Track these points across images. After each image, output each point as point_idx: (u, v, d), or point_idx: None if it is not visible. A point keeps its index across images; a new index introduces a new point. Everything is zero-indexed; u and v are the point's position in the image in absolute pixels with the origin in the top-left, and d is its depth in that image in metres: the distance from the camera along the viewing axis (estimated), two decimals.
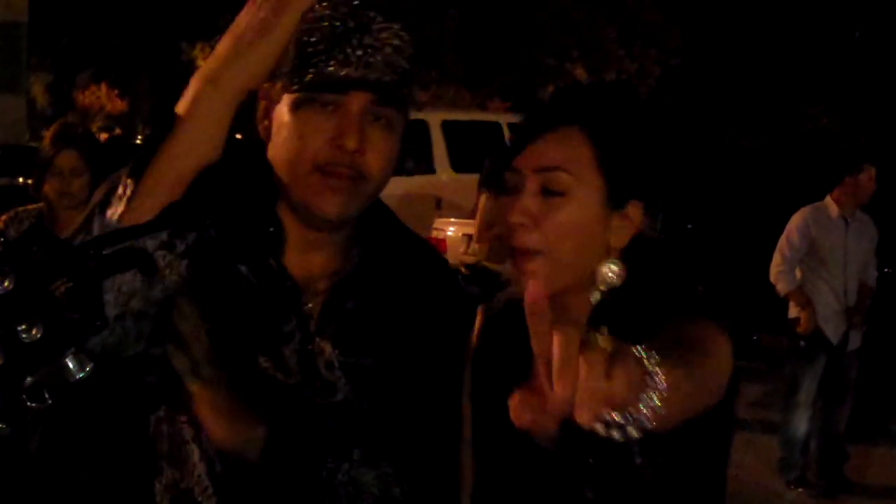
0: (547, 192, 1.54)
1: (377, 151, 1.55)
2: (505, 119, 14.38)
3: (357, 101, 1.52)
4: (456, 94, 24.50)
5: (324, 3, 1.52)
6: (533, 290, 1.05)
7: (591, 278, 1.58)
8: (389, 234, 1.74)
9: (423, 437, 1.67)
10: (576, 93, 1.68)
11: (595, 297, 1.58)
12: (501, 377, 1.65)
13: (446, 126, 13.06)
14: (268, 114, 1.60)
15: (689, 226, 9.58)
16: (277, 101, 1.57)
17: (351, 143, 1.51)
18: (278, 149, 1.57)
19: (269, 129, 1.60)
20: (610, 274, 1.56)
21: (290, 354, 1.60)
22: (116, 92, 32.49)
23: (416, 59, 1.59)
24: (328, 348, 1.62)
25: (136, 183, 1.41)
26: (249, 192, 1.63)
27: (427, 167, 12.46)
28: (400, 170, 11.36)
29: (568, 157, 1.54)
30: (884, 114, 27.25)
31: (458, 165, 12.40)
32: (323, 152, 1.52)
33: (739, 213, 9.37)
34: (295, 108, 1.54)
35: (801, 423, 6.59)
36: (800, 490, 6.54)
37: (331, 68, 1.50)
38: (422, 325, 1.69)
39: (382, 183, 1.60)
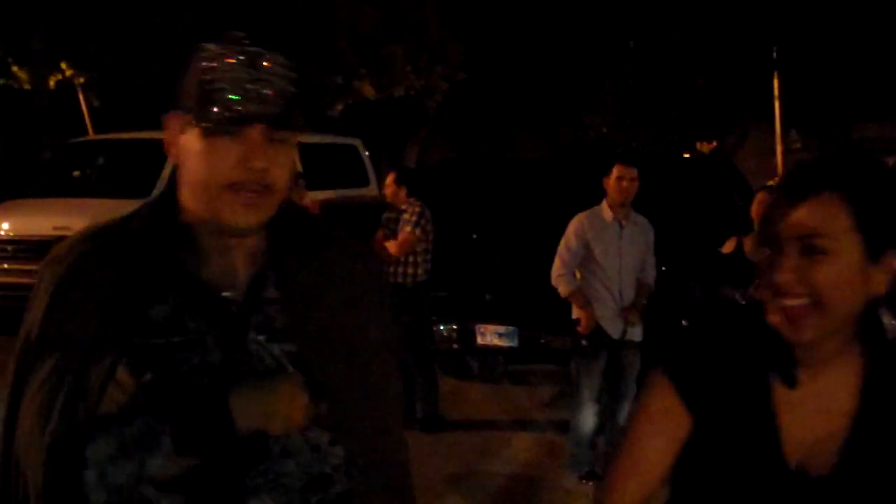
0: (808, 251, 1.67)
1: (280, 167, 1.76)
2: None
3: (257, 130, 1.73)
4: None
5: (214, 47, 1.74)
6: None
7: (853, 328, 1.73)
8: (290, 225, 1.91)
9: (353, 408, 1.85)
10: (832, 161, 1.76)
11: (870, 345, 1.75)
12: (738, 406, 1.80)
13: None
14: (174, 142, 1.81)
15: (475, 235, 9.76)
16: (184, 132, 1.78)
17: (259, 164, 1.72)
18: (191, 174, 1.78)
19: (178, 156, 1.81)
20: (891, 323, 1.73)
21: (212, 346, 1.76)
22: None
23: (298, 80, 1.82)
24: (259, 339, 1.80)
25: None
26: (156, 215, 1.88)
27: None
28: None
29: (825, 222, 1.66)
30: (659, 119, 28.39)
31: None
32: (234, 173, 1.72)
33: (525, 221, 9.58)
34: (203, 137, 1.73)
35: (587, 419, 6.77)
36: (590, 483, 6.68)
37: (232, 105, 1.71)
38: (340, 306, 1.89)
39: (285, 188, 1.80)
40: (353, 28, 22.59)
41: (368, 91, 24.06)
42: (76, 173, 13.94)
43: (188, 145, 1.77)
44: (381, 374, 1.94)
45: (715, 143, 37.32)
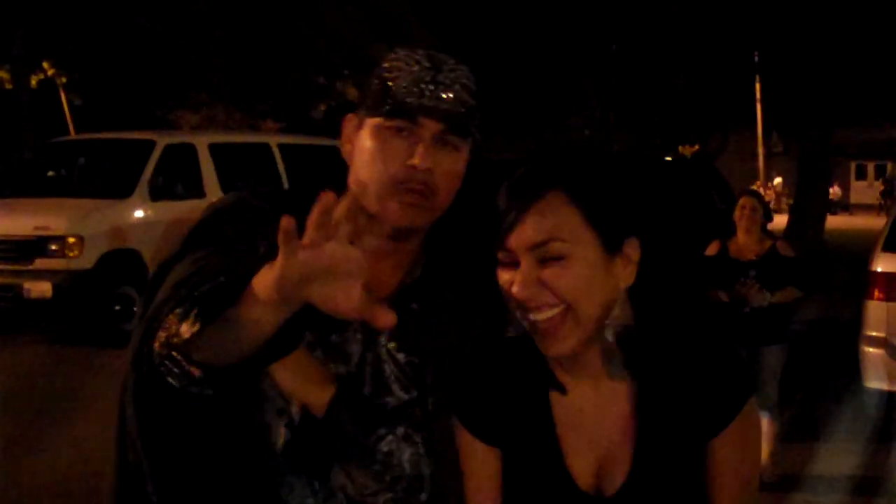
0: (544, 259, 1.58)
1: (445, 171, 1.75)
2: (275, 140, 14.37)
3: (428, 128, 1.72)
4: (227, 115, 24.20)
5: (402, 51, 1.77)
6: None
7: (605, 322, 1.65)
8: (455, 247, 1.91)
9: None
10: (550, 160, 1.67)
11: (608, 339, 1.65)
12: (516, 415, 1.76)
13: (214, 149, 12.95)
14: (350, 139, 1.83)
15: None
16: (359, 129, 1.79)
17: (423, 164, 1.70)
18: (360, 168, 1.77)
19: (351, 153, 1.81)
20: (618, 312, 1.64)
21: (355, 349, 1.79)
22: None
23: (479, 96, 1.80)
24: (390, 346, 1.81)
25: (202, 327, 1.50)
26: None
27: (197, 191, 12.29)
28: (170, 194, 11.10)
29: (556, 225, 1.58)
30: (641, 122, 28.51)
31: (228, 188, 12.30)
32: (400, 172, 1.71)
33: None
34: (375, 133, 1.74)
35: None
36: None
37: (408, 99, 1.71)
38: (477, 333, 1.85)
39: (449, 198, 1.79)
40: (336, 29, 22.61)
41: (352, 92, 24.10)
42: (53, 173, 13.88)
43: (360, 142, 1.78)
44: None
45: (697, 147, 37.51)
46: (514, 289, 1.60)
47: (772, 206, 7.84)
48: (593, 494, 1.68)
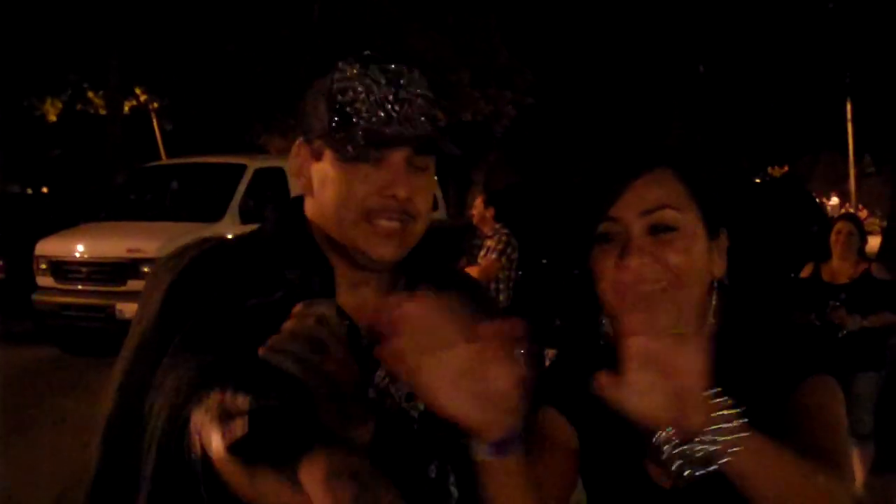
0: (657, 230, 1.55)
1: (422, 195, 1.65)
2: None
3: (401, 154, 1.61)
4: None
5: (349, 67, 1.63)
6: None
7: (703, 310, 1.61)
8: (429, 263, 1.81)
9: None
10: (662, 136, 1.66)
11: (710, 325, 1.61)
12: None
13: None
14: (303, 171, 1.69)
15: (544, 261, 9.75)
16: (316, 158, 1.65)
17: (402, 193, 1.60)
18: (326, 201, 1.64)
19: (308, 184, 1.68)
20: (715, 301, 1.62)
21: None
22: None
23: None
24: (390, 378, 1.66)
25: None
26: (288, 247, 1.69)
27: None
28: (260, 218, 11.48)
29: (668, 193, 1.56)
30: (728, 144, 28.15)
31: None
32: (373, 200, 1.60)
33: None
34: (340, 163, 1.61)
35: None
36: None
37: (375, 127, 1.58)
38: None
39: (427, 220, 1.70)
40: (421, 54, 22.74)
41: (438, 116, 24.20)
42: (148, 196, 14.16)
43: (322, 173, 1.65)
44: None
45: (786, 168, 36.96)
46: (626, 259, 1.55)
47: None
48: (661, 485, 1.64)
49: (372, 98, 1.60)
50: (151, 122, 25.95)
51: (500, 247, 7.96)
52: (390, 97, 1.60)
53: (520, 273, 8.68)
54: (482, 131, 26.20)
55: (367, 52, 1.67)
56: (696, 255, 1.56)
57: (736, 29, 26.14)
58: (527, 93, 25.70)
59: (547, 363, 7.11)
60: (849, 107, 31.89)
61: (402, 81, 1.63)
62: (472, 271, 7.88)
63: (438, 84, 23.60)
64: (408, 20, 22.81)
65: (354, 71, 1.63)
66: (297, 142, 1.71)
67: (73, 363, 11.44)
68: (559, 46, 28.34)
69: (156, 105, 25.28)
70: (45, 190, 29.94)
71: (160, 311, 1.63)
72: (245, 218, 12.04)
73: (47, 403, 9.29)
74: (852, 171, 36.17)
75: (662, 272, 1.55)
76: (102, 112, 23.73)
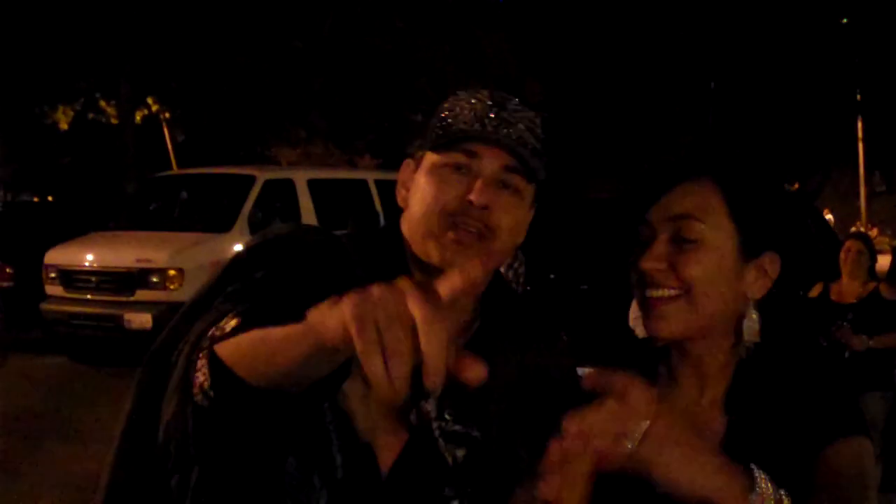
0: (679, 239, 1.55)
1: (504, 211, 1.61)
2: (372, 176, 14.50)
3: (489, 164, 1.61)
4: (325, 151, 24.48)
5: (465, 93, 1.66)
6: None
7: (725, 328, 1.58)
8: (507, 305, 1.77)
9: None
10: (706, 145, 1.64)
11: (741, 351, 1.59)
12: None
13: (312, 184, 13.12)
14: (405, 185, 1.71)
15: (552, 276, 9.74)
16: (415, 172, 1.68)
17: (480, 199, 1.57)
18: (414, 207, 1.64)
19: (406, 198, 1.69)
20: (754, 326, 1.57)
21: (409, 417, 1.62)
22: None
23: (545, 141, 1.70)
24: (440, 413, 1.64)
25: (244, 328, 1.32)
26: (380, 266, 1.62)
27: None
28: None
29: (699, 205, 1.55)
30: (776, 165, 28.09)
31: (325, 223, 12.44)
32: (453, 204, 1.58)
33: (602, 261, 9.56)
34: (431, 170, 1.63)
35: None
36: None
37: (467, 130, 1.60)
38: (534, 399, 1.69)
39: (509, 244, 1.66)
40: (432, 67, 22.79)
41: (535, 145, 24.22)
42: (158, 206, 14.18)
43: (417, 181, 1.67)
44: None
45: (797, 186, 36.90)
46: (641, 261, 1.57)
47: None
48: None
49: (473, 112, 1.63)
50: (163, 132, 26.03)
51: (507, 260, 7.96)
52: (491, 114, 1.62)
53: (528, 288, 8.67)
54: None
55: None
56: (715, 272, 1.54)
57: (748, 45, 26.15)
58: (536, 108, 25.70)
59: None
60: (860, 124, 31.86)
61: (507, 105, 1.65)
62: None
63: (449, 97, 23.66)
64: (418, 34, 22.87)
65: (465, 93, 1.67)
66: (405, 161, 1.74)
67: (81, 372, 11.45)
68: (569, 61, 28.38)
69: (167, 115, 25.36)
70: (49, 198, 29.95)
71: (212, 282, 1.63)
72: (254, 228, 12.04)
73: (55, 413, 9.29)
74: (863, 190, 36.10)
75: (674, 281, 1.55)
76: (114, 121, 23.81)
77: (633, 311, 6.86)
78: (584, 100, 29.22)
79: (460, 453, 1.64)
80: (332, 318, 1.08)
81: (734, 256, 1.55)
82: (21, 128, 26.06)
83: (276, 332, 1.21)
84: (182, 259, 11.31)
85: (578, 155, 29.61)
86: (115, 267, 11.57)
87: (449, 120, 1.63)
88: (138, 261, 11.41)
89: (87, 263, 11.90)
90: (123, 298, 11.38)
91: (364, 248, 1.69)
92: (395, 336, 1.01)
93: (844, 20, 25.99)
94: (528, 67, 25.07)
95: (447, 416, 1.64)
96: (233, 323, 1.33)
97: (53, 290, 12.10)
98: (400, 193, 1.73)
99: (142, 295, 11.24)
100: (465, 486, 1.63)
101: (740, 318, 1.59)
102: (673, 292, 1.56)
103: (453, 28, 23.48)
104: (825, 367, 1.61)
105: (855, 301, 6.33)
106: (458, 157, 1.61)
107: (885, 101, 24.90)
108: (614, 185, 27.18)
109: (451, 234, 1.59)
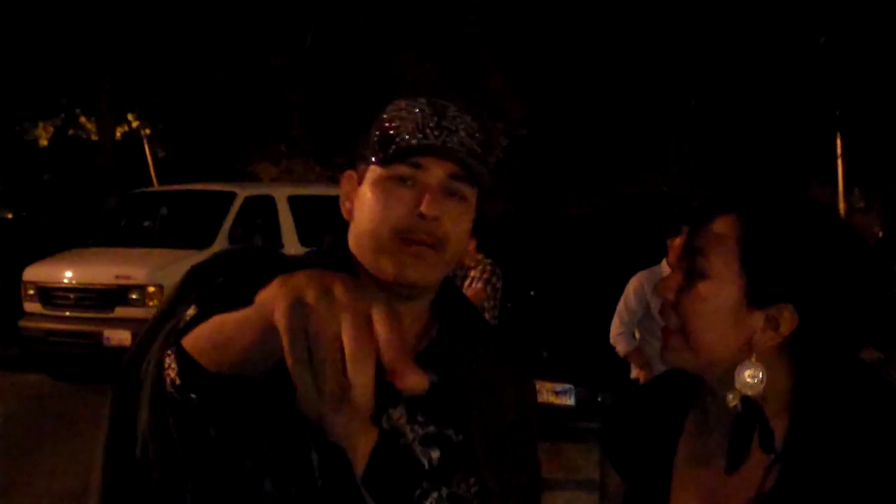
0: (690, 272, 1.55)
1: (454, 221, 1.63)
2: None
3: (434, 174, 1.62)
4: (306, 167, 24.46)
5: (403, 101, 1.66)
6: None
7: (729, 374, 1.52)
8: (458, 310, 1.80)
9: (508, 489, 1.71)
10: (738, 184, 1.62)
11: (730, 398, 1.52)
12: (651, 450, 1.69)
13: (293, 201, 13.12)
14: (349, 197, 1.71)
15: (532, 292, 9.74)
16: (358, 184, 1.68)
17: (431, 211, 1.58)
18: (362, 222, 1.65)
19: (351, 210, 1.70)
20: (748, 378, 1.50)
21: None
22: None
23: (486, 145, 1.68)
24: (412, 417, 1.64)
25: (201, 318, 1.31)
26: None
27: (275, 242, 12.43)
28: (249, 245, 11.14)
29: (711, 243, 1.53)
30: (718, 179, 28.26)
31: (305, 239, 12.44)
32: (404, 220, 1.59)
33: (583, 278, 9.56)
34: (376, 183, 1.63)
35: None
36: None
37: (412, 142, 1.60)
38: (495, 398, 1.74)
39: (458, 252, 1.68)
40: (415, 84, 22.81)
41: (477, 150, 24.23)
42: (138, 223, 14.14)
43: (362, 194, 1.67)
44: (525, 478, 1.80)
45: None
46: (657, 288, 1.61)
47: None
48: None
49: (414, 122, 1.63)
50: (143, 148, 25.97)
51: (485, 276, 7.97)
52: (431, 124, 1.63)
53: (508, 305, 8.67)
54: None
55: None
56: (712, 311, 1.52)
57: (728, 63, 26.29)
58: (519, 123, 25.76)
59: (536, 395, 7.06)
60: (838, 141, 32.03)
61: (447, 113, 1.65)
62: None
63: None
64: (401, 49, 22.88)
65: (404, 103, 1.67)
66: (346, 173, 1.74)
67: (61, 389, 11.39)
68: (552, 77, 28.47)
69: (147, 131, 25.31)
70: (23, 214, 29.76)
71: (175, 292, 1.62)
72: (235, 245, 12.02)
73: (36, 429, 9.24)
74: (842, 206, 36.27)
75: (674, 316, 1.57)
76: (94, 137, 23.75)
77: (614, 328, 6.88)
78: (565, 116, 29.30)
79: (435, 455, 1.63)
80: (274, 301, 1.06)
81: (738, 300, 1.51)
82: (1, 145, 25.96)
83: (230, 317, 1.21)
84: (162, 275, 11.27)
85: (558, 171, 29.70)
86: (95, 283, 11.52)
87: (391, 132, 1.63)
88: (118, 277, 11.37)
89: (65, 280, 11.85)
90: (103, 315, 11.33)
91: (320, 262, 1.70)
92: (326, 355, 0.99)
93: (822, 39, 26.18)
94: (512, 84, 25.10)
95: (419, 419, 1.64)
96: (191, 312, 1.32)
97: (32, 307, 12.03)
98: (344, 206, 1.73)
99: (121, 312, 11.20)
100: (442, 483, 1.62)
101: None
102: (673, 326, 1.57)
103: (435, 44, 23.50)
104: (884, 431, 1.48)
105: None
106: (403, 170, 1.62)
107: (864, 119, 25.07)
108: (594, 200, 27.26)
109: (405, 249, 1.60)
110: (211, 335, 1.25)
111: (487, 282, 7.99)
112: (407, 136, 1.61)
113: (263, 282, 1.25)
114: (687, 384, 1.66)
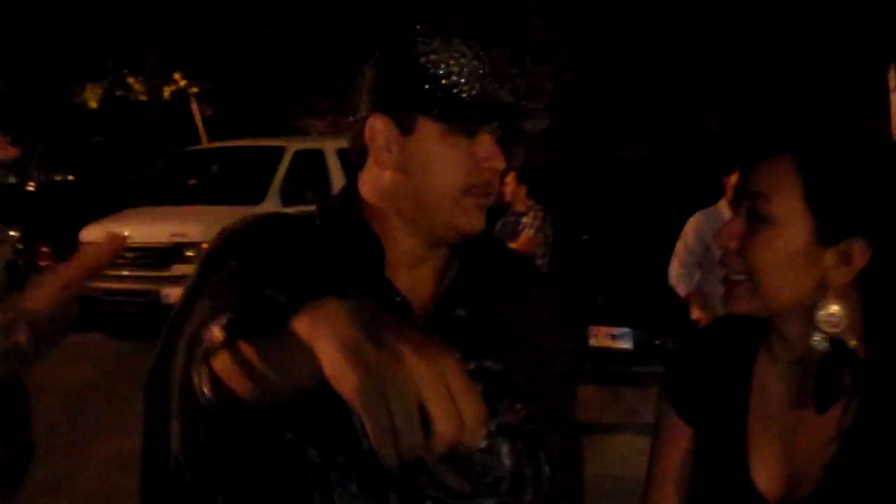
0: (753, 217, 1.51)
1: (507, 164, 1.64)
2: None
3: (494, 125, 1.61)
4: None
5: (436, 40, 1.60)
6: None
7: (808, 316, 1.50)
8: (482, 243, 1.77)
9: (549, 424, 1.69)
10: (791, 122, 1.56)
11: (816, 342, 1.49)
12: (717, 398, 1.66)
13: (342, 153, 13.11)
14: (389, 146, 1.62)
15: (586, 237, 9.70)
16: (405, 133, 1.59)
17: (499, 165, 1.60)
18: (424, 177, 1.59)
19: (397, 160, 1.61)
20: (828, 318, 1.48)
21: None
22: (8, 139, 31.82)
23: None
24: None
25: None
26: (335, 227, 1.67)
27: (326, 195, 12.44)
28: (301, 199, 11.16)
29: (773, 185, 1.49)
30: (768, 117, 27.87)
31: None
32: (474, 175, 1.58)
33: (636, 221, 9.51)
34: (438, 138, 1.57)
35: None
36: None
37: (477, 99, 1.56)
38: (527, 327, 1.73)
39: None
40: (459, 31, 22.68)
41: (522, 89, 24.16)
42: (190, 181, 14.21)
43: (419, 148, 1.59)
44: (565, 397, 1.78)
45: None
46: (717, 236, 1.56)
47: None
48: (771, 501, 1.56)
49: (469, 70, 1.57)
50: (191, 108, 26.09)
51: (537, 223, 7.94)
52: (486, 70, 1.58)
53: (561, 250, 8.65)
54: None
55: (433, 24, 1.65)
56: (782, 257, 1.48)
57: (777, 1, 25.87)
58: (564, 69, 25.56)
59: (591, 341, 7.05)
60: (892, 75, 31.44)
61: (494, 54, 1.61)
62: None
63: None
64: None
65: (438, 43, 1.60)
66: (374, 115, 1.63)
67: (119, 348, 11.55)
68: (596, 21, 28.17)
69: (195, 90, 25.41)
70: (70, 178, 30.07)
71: (192, 283, 1.64)
72: (286, 200, 12.06)
73: (95, 388, 9.40)
74: None
75: (739, 264, 1.53)
76: (142, 98, 23.89)
77: (674, 270, 6.83)
78: (612, 60, 28.99)
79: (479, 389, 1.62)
80: (334, 368, 1.08)
81: (808, 241, 1.47)
82: (52, 108, 26.17)
83: (261, 351, 1.23)
84: (216, 232, 11.30)
85: (607, 115, 29.46)
86: (150, 242, 11.62)
87: (444, 81, 1.57)
88: (173, 235, 11.46)
89: None
90: (159, 273, 11.43)
91: (331, 219, 1.70)
92: (407, 418, 1.02)
93: None
94: (556, 29, 24.87)
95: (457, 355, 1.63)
96: (219, 337, 1.30)
97: (108, 232, 12.12)
98: (383, 156, 1.63)
99: (178, 269, 11.28)
100: (490, 416, 1.56)
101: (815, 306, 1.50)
102: (739, 276, 1.53)
103: None
104: None
105: None
106: (464, 125, 1.58)
107: None
108: (644, 144, 27.05)
109: (473, 202, 1.60)
110: (242, 367, 1.26)
111: (539, 228, 7.97)
112: (466, 88, 1.56)
113: (273, 264, 1.45)
114: (751, 327, 1.63)
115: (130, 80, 24.48)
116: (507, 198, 8.21)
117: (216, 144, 16.42)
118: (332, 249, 1.64)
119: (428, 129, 1.58)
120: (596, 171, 11.64)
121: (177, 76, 24.51)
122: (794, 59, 27.75)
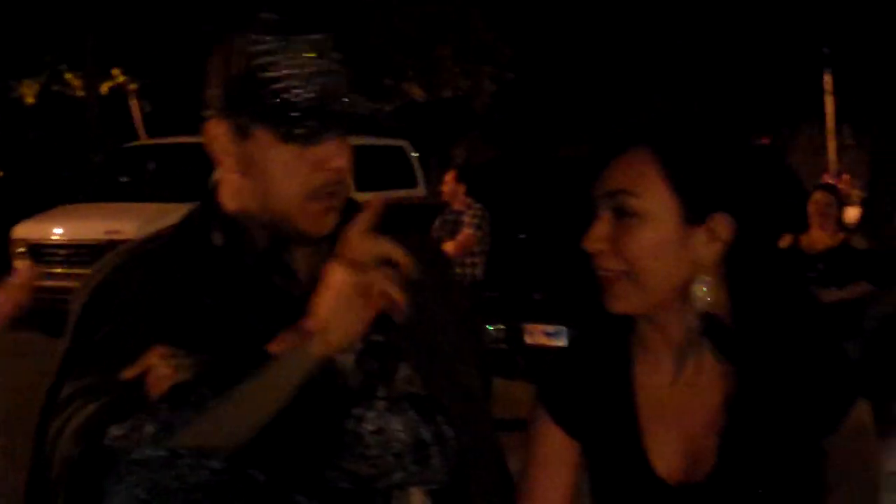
0: (620, 213, 1.54)
1: (349, 162, 1.61)
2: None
3: (336, 128, 1.58)
4: None
5: (254, 36, 1.57)
6: None
7: (683, 297, 1.55)
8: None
9: (450, 386, 1.70)
10: (640, 113, 1.62)
11: (690, 319, 1.56)
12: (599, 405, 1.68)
13: None
14: (228, 150, 1.62)
15: (523, 235, 9.74)
16: (242, 136, 1.58)
17: (344, 163, 1.58)
18: (265, 182, 1.58)
19: (236, 165, 1.61)
20: (700, 293, 1.54)
21: None
22: None
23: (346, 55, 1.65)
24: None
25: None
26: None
27: None
28: None
29: (634, 178, 1.53)
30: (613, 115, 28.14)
31: None
32: (316, 178, 1.56)
33: (574, 220, 9.58)
34: (279, 142, 1.55)
35: None
36: None
37: (313, 104, 1.54)
38: (416, 298, 1.66)
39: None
40: (401, 30, 22.66)
41: (417, 92, 24.14)
42: (126, 177, 14.08)
43: (257, 153, 1.57)
44: (466, 374, 1.78)
45: (765, 140, 37.02)
46: (584, 241, 1.57)
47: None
48: (675, 486, 1.59)
49: (300, 71, 1.54)
50: (129, 104, 25.81)
51: (475, 220, 7.99)
52: (316, 68, 1.56)
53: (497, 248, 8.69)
54: (462, 108, 26.14)
55: (268, 14, 1.62)
56: (656, 246, 1.53)
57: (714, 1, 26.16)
58: (506, 68, 25.64)
59: (526, 339, 7.09)
60: (827, 78, 31.94)
61: (320, 48, 1.59)
62: (449, 246, 7.88)
63: (418, 60, 23.55)
64: None
65: (273, 42, 1.56)
66: (211, 119, 1.62)
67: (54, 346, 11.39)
68: (538, 20, 28.27)
69: (134, 86, 25.13)
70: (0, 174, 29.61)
71: (73, 330, 1.69)
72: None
73: (30, 387, 9.26)
74: (832, 143, 36.23)
75: (615, 261, 1.55)
76: (80, 93, 23.59)
77: None
78: (556, 59, 29.13)
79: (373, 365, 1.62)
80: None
81: (678, 224, 1.53)
82: None
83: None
84: (151, 229, 11.16)
85: (551, 115, 29.60)
86: (84, 239, 11.49)
87: (275, 86, 1.53)
88: (107, 232, 11.33)
89: (55, 237, 11.83)
90: None
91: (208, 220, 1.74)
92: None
93: None
94: (498, 28, 24.95)
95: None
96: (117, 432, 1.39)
97: (22, 265, 11.99)
98: (224, 161, 1.63)
99: None
100: (381, 385, 1.62)
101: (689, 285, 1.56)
102: (616, 272, 1.55)
103: None
104: (817, 330, 1.61)
105: (824, 251, 6.38)
106: (303, 130, 1.55)
107: (853, 55, 24.99)
108: (586, 143, 27.21)
109: (321, 205, 1.58)
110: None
111: (478, 227, 8.00)
112: (300, 93, 1.53)
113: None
114: (619, 327, 1.66)
115: (68, 75, 24.16)
116: (446, 196, 8.24)
117: (154, 141, 16.27)
118: (199, 275, 1.69)
119: (263, 136, 1.56)
120: (535, 170, 11.70)
121: (115, 72, 24.24)
122: (733, 60, 28.09)
